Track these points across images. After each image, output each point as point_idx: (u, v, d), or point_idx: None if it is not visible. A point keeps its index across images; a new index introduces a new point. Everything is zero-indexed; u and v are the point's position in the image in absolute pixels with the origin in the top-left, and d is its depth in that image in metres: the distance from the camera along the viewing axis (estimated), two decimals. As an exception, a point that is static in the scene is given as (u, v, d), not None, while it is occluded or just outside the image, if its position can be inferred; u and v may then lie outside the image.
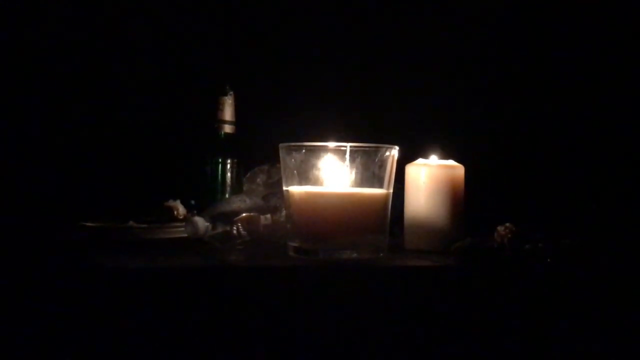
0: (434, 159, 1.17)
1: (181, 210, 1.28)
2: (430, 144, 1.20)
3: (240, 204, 1.20)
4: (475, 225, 1.14)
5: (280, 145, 1.08)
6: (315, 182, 1.06)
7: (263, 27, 1.59)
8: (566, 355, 1.04)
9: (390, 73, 1.61)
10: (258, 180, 1.29)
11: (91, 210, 1.28)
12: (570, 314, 1.04)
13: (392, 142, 1.08)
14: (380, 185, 1.07)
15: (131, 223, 1.20)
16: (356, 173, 1.06)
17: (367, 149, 1.06)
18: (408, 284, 1.01)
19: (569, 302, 1.04)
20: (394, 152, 1.08)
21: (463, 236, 1.12)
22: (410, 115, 1.57)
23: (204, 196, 1.31)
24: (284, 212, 1.12)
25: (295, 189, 1.06)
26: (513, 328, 1.03)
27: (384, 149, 1.07)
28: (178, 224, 1.20)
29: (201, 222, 1.13)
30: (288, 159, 1.07)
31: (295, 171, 1.07)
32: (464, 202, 1.16)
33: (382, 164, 1.07)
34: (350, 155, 1.05)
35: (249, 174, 1.33)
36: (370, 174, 1.06)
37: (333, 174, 1.06)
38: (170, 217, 1.26)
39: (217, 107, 1.34)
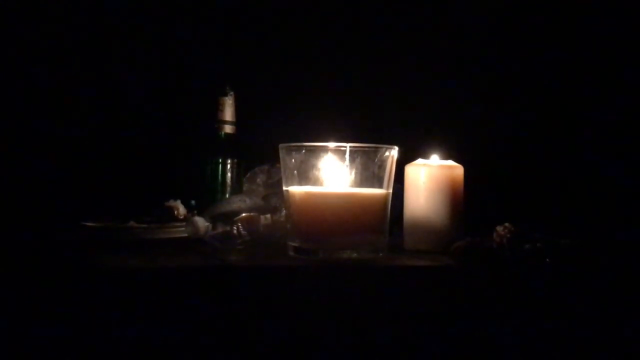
0: (433, 159, 1.17)
1: (181, 210, 1.28)
2: (430, 144, 1.21)
3: (241, 204, 1.20)
4: (475, 226, 1.14)
5: (280, 145, 1.09)
6: (315, 182, 1.06)
7: (263, 28, 1.59)
8: (565, 355, 1.04)
9: (390, 74, 1.61)
10: (258, 180, 1.30)
11: (92, 210, 1.29)
12: (569, 314, 1.04)
13: (392, 143, 1.09)
14: (380, 186, 1.07)
15: (132, 223, 1.21)
16: (356, 173, 1.06)
17: (367, 149, 1.06)
18: (407, 283, 1.01)
19: (568, 302, 1.04)
20: (393, 153, 1.08)
21: (462, 236, 1.12)
22: (410, 115, 1.57)
23: (204, 196, 1.32)
24: (283, 212, 1.13)
25: (295, 189, 1.07)
26: (512, 327, 1.03)
27: (384, 149, 1.07)
28: (178, 224, 1.20)
29: (201, 222, 1.14)
30: (288, 159, 1.08)
31: (295, 171, 1.07)
32: (463, 202, 1.16)
33: (382, 164, 1.07)
34: (350, 156, 1.06)
35: (249, 174, 1.33)
36: (369, 174, 1.07)
37: (333, 174, 1.06)
38: (170, 217, 1.26)
39: (218, 108, 1.35)
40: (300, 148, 1.06)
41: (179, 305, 0.92)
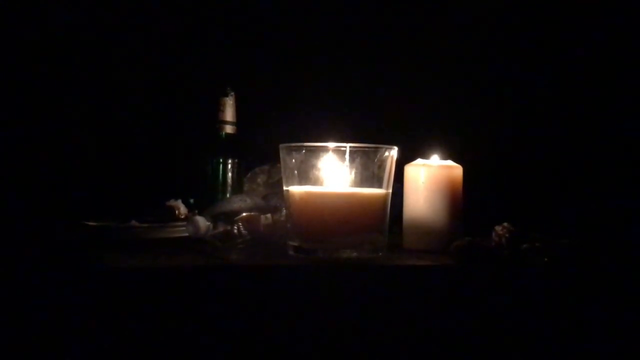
0: (432, 160, 1.18)
1: (182, 209, 1.28)
2: (429, 144, 1.21)
3: (241, 204, 1.20)
4: (474, 225, 1.14)
5: (281, 145, 1.09)
6: (315, 182, 1.07)
7: (264, 29, 1.59)
8: (563, 354, 1.05)
9: (390, 74, 1.61)
10: (259, 180, 1.30)
11: (93, 209, 1.29)
12: (567, 313, 1.05)
13: (391, 143, 1.09)
14: (380, 185, 1.07)
15: (133, 222, 1.21)
16: (356, 173, 1.06)
17: (367, 149, 1.07)
18: (407, 283, 1.01)
19: (566, 302, 1.05)
20: (393, 153, 1.08)
21: (461, 236, 1.12)
22: (409, 116, 1.57)
23: (205, 196, 1.32)
24: (284, 212, 1.13)
25: (296, 189, 1.07)
26: (510, 327, 1.03)
27: (383, 150, 1.07)
28: (179, 223, 1.20)
29: (202, 222, 1.14)
30: (288, 159, 1.08)
31: (295, 171, 1.07)
32: (462, 202, 1.17)
33: (382, 164, 1.07)
34: (349, 156, 1.06)
35: (249, 174, 1.33)
36: (369, 174, 1.07)
37: (333, 174, 1.06)
38: (171, 216, 1.27)
39: (219, 108, 1.34)
40: (300, 148, 1.07)
41: (179, 304, 0.92)
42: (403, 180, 1.17)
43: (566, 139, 1.62)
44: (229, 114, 1.35)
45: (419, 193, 1.15)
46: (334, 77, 1.59)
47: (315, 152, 1.06)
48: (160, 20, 1.54)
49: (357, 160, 1.06)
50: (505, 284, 1.04)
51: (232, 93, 1.35)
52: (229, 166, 1.34)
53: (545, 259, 1.05)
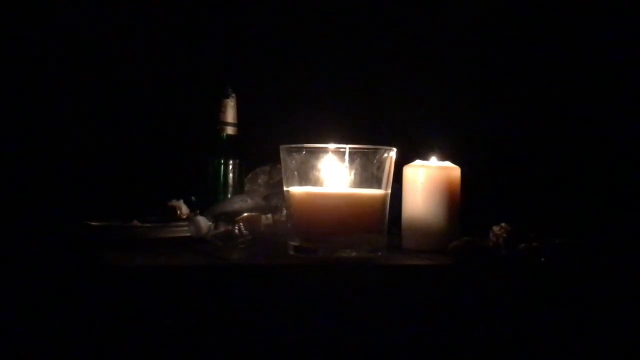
0: (431, 161, 1.18)
1: (184, 209, 1.28)
2: (428, 145, 1.22)
3: (242, 204, 1.20)
4: (471, 225, 1.15)
5: (281, 146, 1.09)
6: (315, 182, 1.07)
7: (264, 32, 1.58)
8: (561, 354, 1.05)
9: (389, 77, 1.61)
10: (259, 180, 1.30)
11: (96, 209, 1.28)
12: (564, 312, 1.05)
13: (390, 144, 1.09)
14: (379, 186, 1.08)
15: (135, 222, 1.21)
16: (355, 174, 1.07)
17: (366, 150, 1.07)
18: (405, 282, 1.02)
19: (563, 301, 1.05)
20: (392, 154, 1.09)
21: (459, 235, 1.12)
22: (408, 117, 1.57)
23: (206, 196, 1.32)
24: (284, 212, 1.13)
25: (296, 190, 1.07)
26: (508, 325, 1.03)
27: (383, 151, 1.08)
28: (181, 223, 1.20)
29: (204, 222, 1.14)
30: (289, 160, 1.08)
31: (295, 172, 1.08)
32: (460, 202, 1.17)
33: (381, 165, 1.07)
34: (349, 157, 1.06)
35: (250, 175, 1.33)
36: (369, 174, 1.07)
37: (332, 175, 1.07)
38: (173, 216, 1.26)
39: (220, 110, 1.35)
40: (300, 149, 1.07)
41: (181, 303, 0.93)
42: (402, 181, 1.18)
43: (563, 140, 1.62)
44: (230, 115, 1.35)
45: (417, 194, 1.16)
46: (334, 78, 1.59)
47: (315, 153, 1.07)
48: (162, 22, 1.53)
49: (357, 161, 1.07)
50: (503, 283, 1.04)
51: (233, 94, 1.35)
52: (230, 167, 1.34)
53: (542, 259, 1.06)
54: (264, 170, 1.31)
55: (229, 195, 1.33)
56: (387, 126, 1.54)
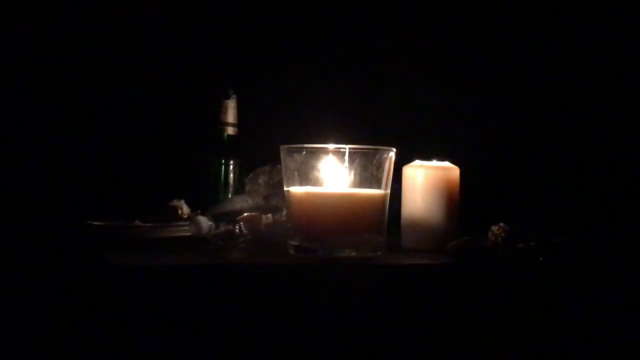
0: (430, 161, 1.18)
1: (185, 209, 1.28)
2: (427, 145, 1.22)
3: (243, 204, 1.20)
4: (470, 225, 1.15)
5: (282, 146, 1.10)
6: (315, 182, 1.07)
7: (264, 32, 1.58)
8: (559, 353, 1.05)
9: (389, 79, 1.61)
10: (260, 180, 1.29)
11: (98, 209, 1.29)
12: (562, 312, 1.06)
13: (390, 144, 1.10)
14: (378, 186, 1.08)
15: (137, 222, 1.21)
16: (355, 174, 1.07)
17: (366, 150, 1.07)
18: (405, 281, 1.02)
19: (561, 300, 1.06)
20: (391, 154, 1.09)
21: (458, 235, 1.12)
22: (408, 118, 1.57)
23: (207, 196, 1.32)
24: (284, 212, 1.13)
25: (296, 190, 1.08)
26: (507, 325, 1.04)
27: (382, 151, 1.08)
28: (182, 223, 1.20)
29: (205, 222, 1.14)
30: (289, 160, 1.09)
31: (295, 172, 1.08)
32: (459, 202, 1.17)
33: (380, 165, 1.08)
34: (349, 157, 1.07)
35: (251, 175, 1.33)
36: (368, 175, 1.07)
37: (332, 175, 1.07)
38: (174, 216, 1.27)
39: (221, 110, 1.35)
40: (300, 149, 1.07)
41: (182, 302, 0.93)
42: (401, 181, 1.18)
43: (562, 140, 1.62)
44: (231, 115, 1.35)
45: (416, 194, 1.16)
46: (334, 78, 1.59)
47: (316, 153, 1.07)
48: (163, 23, 1.53)
49: (357, 161, 1.07)
50: (501, 282, 1.05)
51: (234, 95, 1.35)
52: (231, 167, 1.35)
53: (541, 258, 1.06)
54: (265, 171, 1.30)
55: (230, 195, 1.33)
56: (388, 126, 1.55)
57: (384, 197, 1.08)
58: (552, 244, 1.08)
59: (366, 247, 1.06)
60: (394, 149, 1.10)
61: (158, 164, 1.51)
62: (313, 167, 1.07)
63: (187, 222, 1.18)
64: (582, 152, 1.60)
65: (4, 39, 1.45)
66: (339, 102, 1.57)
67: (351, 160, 1.07)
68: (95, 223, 1.20)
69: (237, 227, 1.12)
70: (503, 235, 1.09)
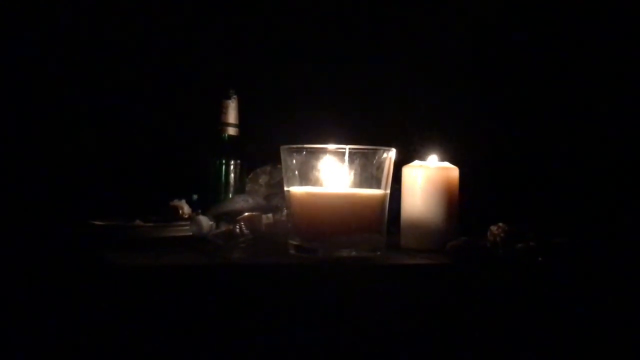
0: (429, 161, 1.19)
1: (186, 209, 1.28)
2: (427, 146, 1.22)
3: (243, 204, 1.21)
4: (469, 225, 1.15)
5: (282, 147, 1.10)
6: (316, 182, 1.08)
7: (265, 32, 1.59)
8: (558, 353, 1.06)
9: (388, 80, 1.61)
10: (260, 180, 1.30)
11: (99, 209, 1.29)
12: (561, 312, 1.06)
13: (390, 145, 1.10)
14: (378, 186, 1.08)
15: (138, 222, 1.21)
16: (355, 174, 1.07)
17: (366, 151, 1.08)
18: (404, 281, 1.02)
19: (559, 299, 1.06)
20: (391, 154, 1.09)
21: (457, 235, 1.13)
22: (407, 118, 1.57)
23: (208, 196, 1.32)
24: (285, 212, 1.14)
25: (296, 190, 1.08)
26: (506, 324, 1.04)
27: (382, 151, 1.08)
28: (183, 222, 1.21)
29: (205, 221, 1.15)
30: (289, 161, 1.09)
31: (296, 172, 1.08)
32: (459, 202, 1.18)
33: (380, 166, 1.08)
34: (349, 157, 1.07)
35: (251, 175, 1.33)
36: (368, 175, 1.08)
37: (332, 175, 1.08)
38: (175, 216, 1.27)
39: (222, 111, 1.35)
40: (301, 150, 1.08)
41: (183, 301, 0.93)
42: (401, 181, 1.19)
43: (561, 140, 1.62)
44: (232, 116, 1.36)
45: (416, 194, 1.16)
46: (334, 78, 1.59)
47: (316, 153, 1.07)
48: (164, 24, 1.54)
49: (356, 161, 1.07)
50: (500, 281, 1.05)
51: (235, 96, 1.36)
52: (232, 167, 1.35)
53: (540, 258, 1.06)
54: (265, 171, 1.31)
55: (230, 195, 1.33)
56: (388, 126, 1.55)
57: (383, 197, 1.09)
58: (551, 244, 1.09)
59: (366, 247, 1.06)
60: (394, 149, 1.10)
61: (159, 164, 1.51)
62: (313, 167, 1.08)
63: (188, 222, 1.18)
64: (582, 152, 1.60)
65: (5, 39, 1.45)
66: (339, 102, 1.57)
67: (351, 161, 1.07)
68: (96, 223, 1.20)
69: (237, 226, 1.12)
70: (502, 235, 1.09)
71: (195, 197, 1.32)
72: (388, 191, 1.10)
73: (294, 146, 1.09)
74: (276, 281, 0.98)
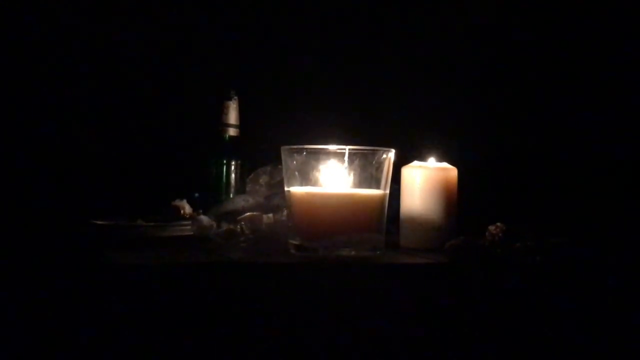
0: (429, 162, 1.19)
1: (187, 209, 1.28)
2: (426, 146, 1.22)
3: (244, 204, 1.21)
4: (468, 225, 1.15)
5: (282, 147, 1.10)
6: (316, 183, 1.08)
7: (265, 34, 1.58)
8: (557, 352, 1.06)
9: (389, 78, 1.60)
10: (261, 181, 1.29)
11: (102, 208, 1.28)
12: (560, 311, 1.06)
13: (389, 145, 1.10)
14: (378, 186, 1.09)
15: (140, 221, 1.21)
16: (354, 174, 1.08)
17: (365, 151, 1.08)
18: (403, 280, 1.03)
19: (557, 299, 1.06)
20: (390, 155, 1.10)
21: (456, 235, 1.13)
22: (407, 119, 1.57)
23: (209, 196, 1.32)
24: (285, 212, 1.14)
25: (297, 190, 1.09)
26: (504, 324, 1.04)
27: (381, 152, 1.09)
28: (185, 222, 1.20)
29: (206, 221, 1.15)
30: (289, 161, 1.09)
31: (296, 172, 1.09)
32: (457, 202, 1.18)
33: (379, 166, 1.09)
34: (349, 158, 1.08)
35: (252, 175, 1.33)
36: (368, 175, 1.08)
37: (332, 176, 1.08)
38: (177, 215, 1.27)
39: (222, 112, 1.35)
40: (301, 150, 1.08)
41: (184, 301, 0.94)
42: (400, 181, 1.19)
43: (560, 140, 1.61)
44: (233, 117, 1.35)
45: (415, 194, 1.17)
46: (334, 79, 1.59)
47: (316, 154, 1.08)
48: (164, 24, 1.53)
49: (356, 162, 1.08)
50: (499, 281, 1.06)
51: (235, 97, 1.36)
52: (232, 167, 1.35)
53: (538, 258, 1.07)
54: (265, 171, 1.30)
55: (231, 195, 1.33)
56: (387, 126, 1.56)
57: (383, 197, 1.09)
58: (550, 243, 1.09)
59: (365, 247, 1.07)
60: (393, 150, 1.10)
61: (160, 164, 1.50)
62: (313, 168, 1.08)
63: (189, 222, 1.18)
64: (581, 152, 1.60)
65: (5, 39, 1.45)
66: (339, 102, 1.57)
67: (351, 161, 1.08)
68: (98, 222, 1.20)
69: (238, 226, 1.12)
70: (500, 234, 1.09)
71: (196, 195, 1.32)
72: (387, 191, 1.10)
73: (295, 147, 1.09)
74: (277, 280, 0.98)
